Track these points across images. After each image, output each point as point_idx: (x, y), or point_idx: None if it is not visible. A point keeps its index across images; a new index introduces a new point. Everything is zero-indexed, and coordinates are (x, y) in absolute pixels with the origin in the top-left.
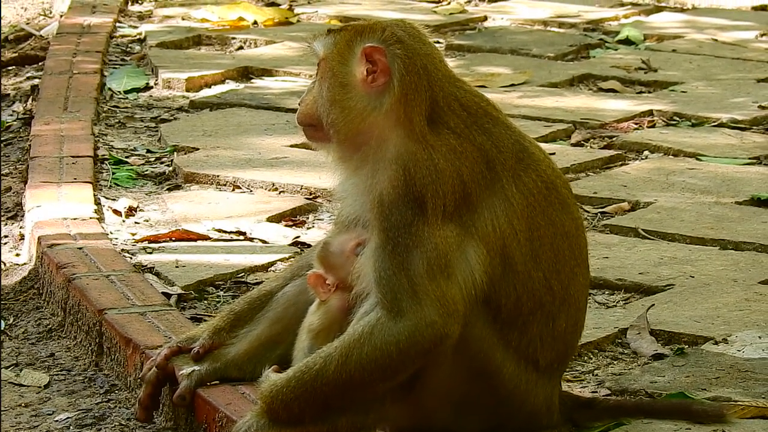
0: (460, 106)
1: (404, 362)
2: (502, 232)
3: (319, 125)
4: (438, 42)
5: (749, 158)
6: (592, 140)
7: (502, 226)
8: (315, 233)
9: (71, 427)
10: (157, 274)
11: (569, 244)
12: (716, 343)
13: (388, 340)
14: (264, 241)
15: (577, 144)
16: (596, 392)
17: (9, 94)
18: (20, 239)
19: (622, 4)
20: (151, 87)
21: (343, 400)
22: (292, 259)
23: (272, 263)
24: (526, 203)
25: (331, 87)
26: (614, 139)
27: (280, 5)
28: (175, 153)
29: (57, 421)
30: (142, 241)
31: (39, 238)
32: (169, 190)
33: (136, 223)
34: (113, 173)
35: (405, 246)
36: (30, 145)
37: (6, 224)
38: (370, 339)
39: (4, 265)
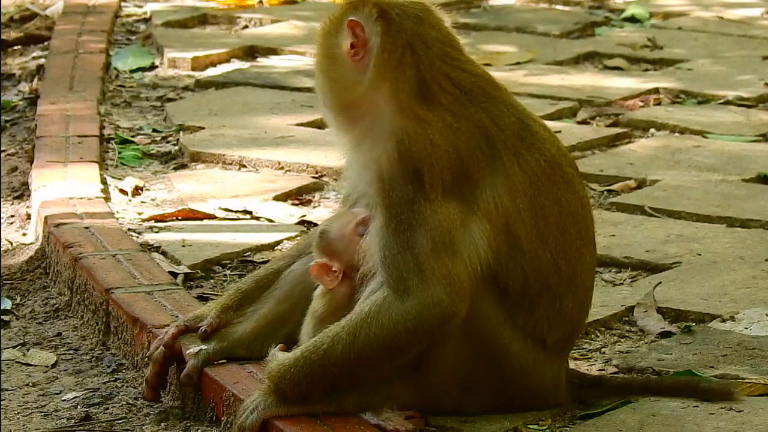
0: (452, 84)
1: (412, 341)
2: (504, 210)
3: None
4: None
5: (756, 135)
6: (597, 118)
7: (504, 203)
8: (321, 212)
9: (78, 407)
10: (164, 253)
11: (575, 223)
12: (723, 320)
13: (396, 319)
14: (270, 220)
15: (583, 122)
16: (603, 370)
17: (15, 74)
18: (27, 219)
19: None
20: (157, 66)
21: (351, 379)
22: (298, 237)
23: (279, 242)
24: (528, 182)
25: (320, 58)
26: (620, 116)
27: None
28: (181, 132)
29: (64, 400)
30: (148, 221)
31: (45, 218)
32: (175, 169)
33: (142, 202)
34: (119, 153)
35: (408, 224)
36: (36, 125)
37: (12, 204)
38: (378, 318)
39: (11, 244)
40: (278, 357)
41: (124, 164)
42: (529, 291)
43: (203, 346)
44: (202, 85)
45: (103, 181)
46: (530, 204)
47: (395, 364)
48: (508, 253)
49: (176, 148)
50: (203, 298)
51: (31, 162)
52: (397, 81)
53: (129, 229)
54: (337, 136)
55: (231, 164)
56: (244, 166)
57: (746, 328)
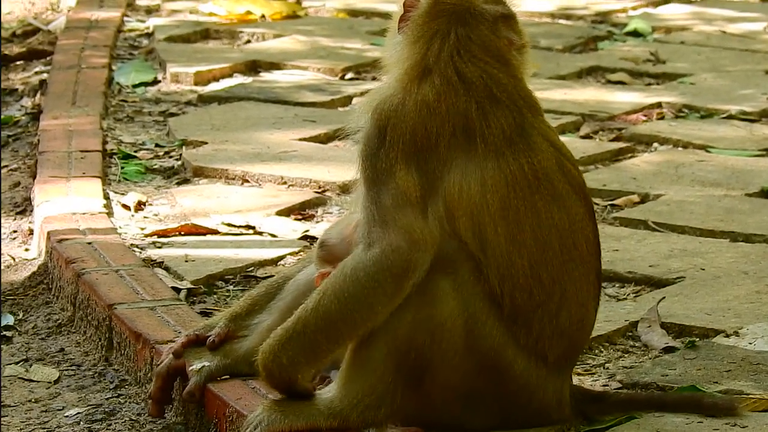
0: (455, 73)
1: (374, 288)
2: (470, 198)
3: None
4: None
5: (759, 150)
6: (601, 132)
7: (471, 192)
8: (324, 227)
9: (81, 423)
10: (167, 269)
11: (559, 237)
12: (727, 335)
13: (357, 267)
14: (273, 235)
15: (586, 136)
16: (607, 385)
17: (17, 89)
18: (29, 234)
19: None
20: (159, 81)
21: (328, 342)
22: (301, 253)
23: (282, 257)
24: (504, 183)
25: (395, 17)
26: (623, 131)
27: None
28: (184, 147)
29: (67, 416)
30: (151, 236)
31: (48, 233)
32: (178, 184)
33: (145, 217)
34: (122, 168)
35: (373, 180)
36: (38, 140)
37: (15, 219)
38: (342, 271)
39: (13, 260)
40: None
41: (126, 179)
42: (519, 305)
43: (206, 363)
44: (204, 99)
45: (106, 197)
46: (502, 204)
47: (367, 318)
48: (483, 252)
49: (179, 163)
50: (206, 314)
51: (34, 177)
52: (405, 60)
53: (132, 245)
54: None
55: (234, 179)
56: (247, 181)
57: (750, 343)
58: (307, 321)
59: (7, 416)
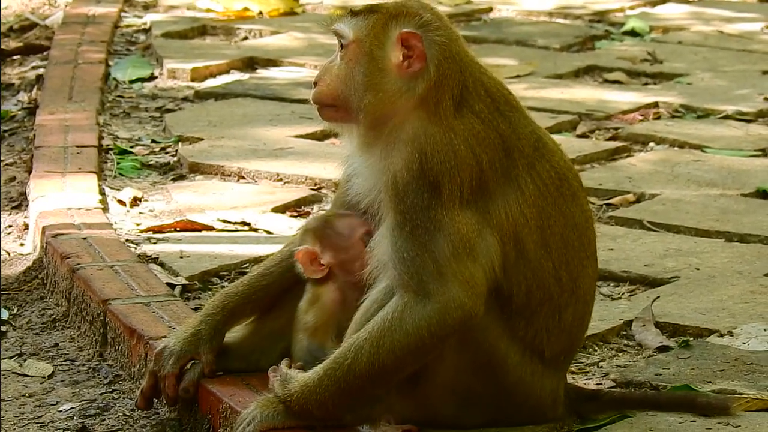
0: (485, 91)
1: (435, 344)
2: (514, 220)
3: (342, 106)
4: None
5: (754, 150)
6: (597, 132)
7: (514, 213)
8: None
9: (75, 418)
10: (162, 265)
11: (579, 235)
12: (721, 335)
13: (419, 324)
14: (269, 232)
15: (583, 135)
16: (601, 384)
17: (14, 84)
18: (24, 229)
19: None
20: (156, 77)
21: (374, 390)
22: None
23: None
24: (538, 192)
25: (366, 71)
26: (620, 130)
27: None
28: (180, 143)
29: (60, 411)
30: (146, 232)
31: (43, 228)
32: (174, 180)
33: (140, 213)
34: (118, 163)
35: (425, 228)
36: (34, 135)
37: (10, 214)
38: (401, 324)
39: (9, 255)
40: (297, 378)
41: (122, 175)
42: (531, 301)
43: (201, 359)
44: (201, 96)
45: (102, 192)
46: (538, 214)
47: (417, 367)
48: (515, 261)
49: (175, 159)
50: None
51: (30, 172)
52: (446, 88)
53: (127, 240)
54: (352, 140)
55: (230, 176)
56: (243, 178)
57: (744, 343)
58: (360, 372)
59: (0, 410)
